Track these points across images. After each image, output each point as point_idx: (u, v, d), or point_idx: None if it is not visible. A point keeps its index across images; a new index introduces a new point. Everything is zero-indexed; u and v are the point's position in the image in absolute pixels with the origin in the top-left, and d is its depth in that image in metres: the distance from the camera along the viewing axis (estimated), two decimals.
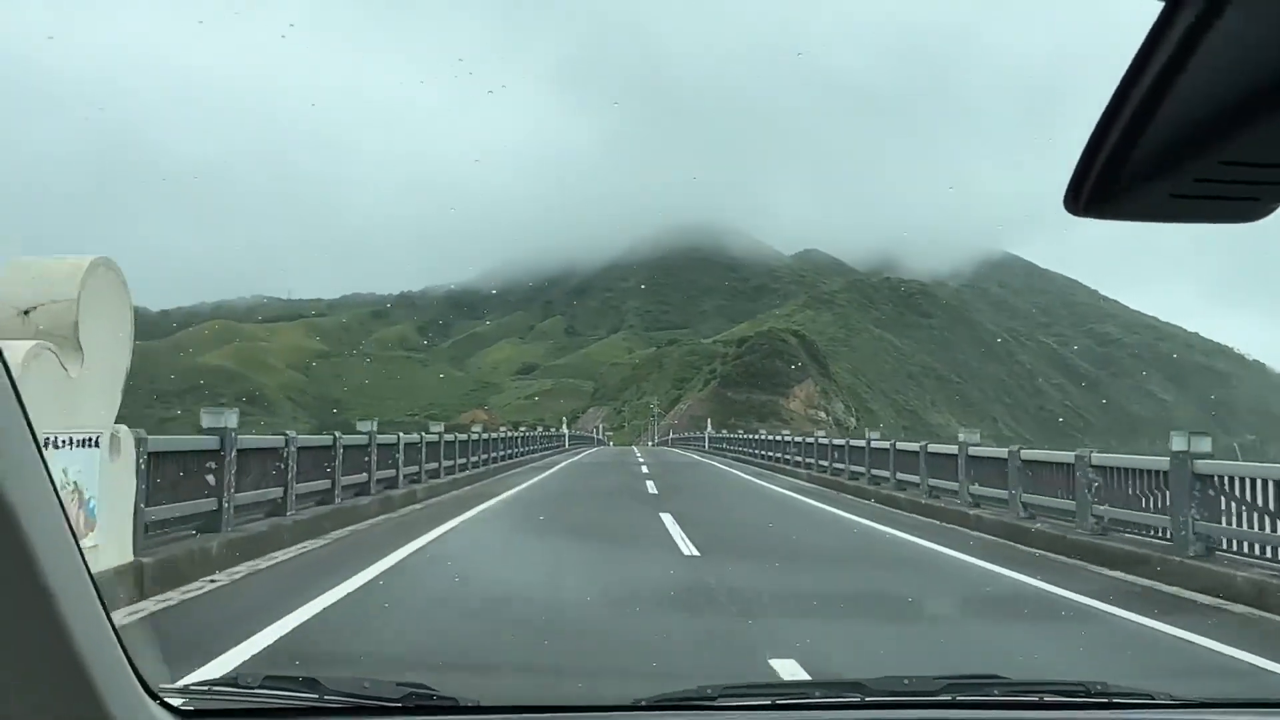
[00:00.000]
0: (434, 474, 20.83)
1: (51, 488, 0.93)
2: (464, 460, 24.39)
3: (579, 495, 21.85)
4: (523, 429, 46.94)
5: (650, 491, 21.71)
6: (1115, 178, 0.64)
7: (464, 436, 25.68)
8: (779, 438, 36.79)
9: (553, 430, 60.27)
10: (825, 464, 26.05)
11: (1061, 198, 0.67)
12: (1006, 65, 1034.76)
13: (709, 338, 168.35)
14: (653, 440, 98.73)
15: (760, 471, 32.63)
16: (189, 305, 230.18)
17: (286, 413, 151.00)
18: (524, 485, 23.43)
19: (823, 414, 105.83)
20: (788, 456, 31.84)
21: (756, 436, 43.53)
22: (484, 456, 27.45)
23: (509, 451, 33.08)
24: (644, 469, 32.00)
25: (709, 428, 65.72)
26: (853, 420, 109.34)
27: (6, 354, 0.91)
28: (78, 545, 1.00)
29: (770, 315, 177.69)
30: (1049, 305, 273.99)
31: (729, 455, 46.66)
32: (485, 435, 29.25)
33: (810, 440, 29.67)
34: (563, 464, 36.14)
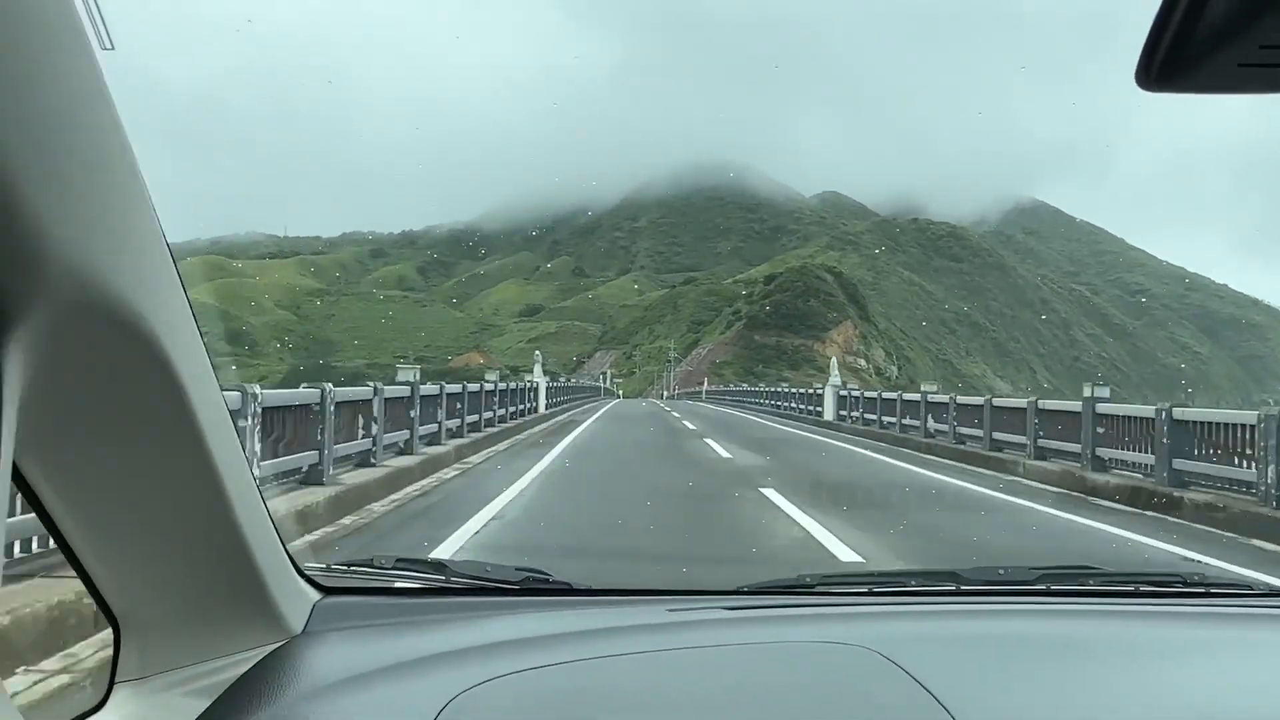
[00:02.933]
0: None
1: (227, 413, 1.13)
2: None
3: None
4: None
5: None
6: (1184, 49, 0.63)
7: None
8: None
9: (506, 382, 23.83)
10: None
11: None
12: None
13: (727, 279, 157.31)
14: (668, 390, 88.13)
15: None
16: (180, 241, 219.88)
17: (273, 354, 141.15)
18: None
19: (862, 361, 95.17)
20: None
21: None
22: None
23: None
24: None
25: (834, 373, 34.20)
26: (894, 369, 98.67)
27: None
28: (246, 457, 1.22)
29: (792, 256, 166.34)
30: (1076, 253, 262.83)
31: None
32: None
33: None
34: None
